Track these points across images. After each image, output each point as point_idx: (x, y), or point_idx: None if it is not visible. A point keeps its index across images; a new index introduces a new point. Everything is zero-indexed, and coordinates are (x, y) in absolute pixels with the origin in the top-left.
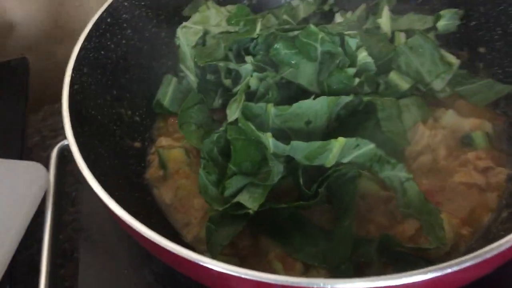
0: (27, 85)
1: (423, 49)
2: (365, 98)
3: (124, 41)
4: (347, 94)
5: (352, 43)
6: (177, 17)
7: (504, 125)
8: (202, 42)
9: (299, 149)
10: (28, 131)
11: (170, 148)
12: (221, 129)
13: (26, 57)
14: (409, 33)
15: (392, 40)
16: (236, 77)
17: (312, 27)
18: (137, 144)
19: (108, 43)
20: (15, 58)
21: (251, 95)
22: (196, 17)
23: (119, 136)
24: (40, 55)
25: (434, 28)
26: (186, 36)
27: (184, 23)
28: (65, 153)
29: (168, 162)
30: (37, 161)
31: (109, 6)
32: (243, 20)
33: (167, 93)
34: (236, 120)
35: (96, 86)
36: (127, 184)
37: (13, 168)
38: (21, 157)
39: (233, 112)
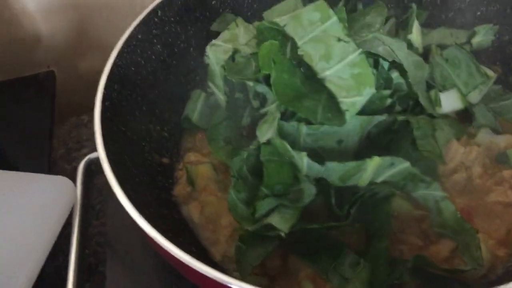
0: (54, 98)
1: (459, 60)
2: (400, 117)
3: (153, 57)
4: (379, 113)
5: (385, 64)
6: (205, 32)
7: None
8: (232, 60)
9: (334, 170)
10: (54, 142)
11: (198, 163)
12: (252, 147)
13: (53, 70)
14: (441, 47)
15: (423, 55)
16: (264, 99)
17: None
18: (165, 160)
19: (139, 59)
20: (43, 72)
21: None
22: (225, 34)
23: (148, 152)
24: (66, 68)
25: (467, 43)
26: (216, 54)
27: (213, 41)
28: (92, 167)
29: (196, 178)
30: (62, 173)
31: (140, 22)
32: None
33: (195, 109)
34: (269, 141)
35: (126, 102)
36: (156, 201)
37: (42, 182)
38: (48, 170)
39: (265, 133)
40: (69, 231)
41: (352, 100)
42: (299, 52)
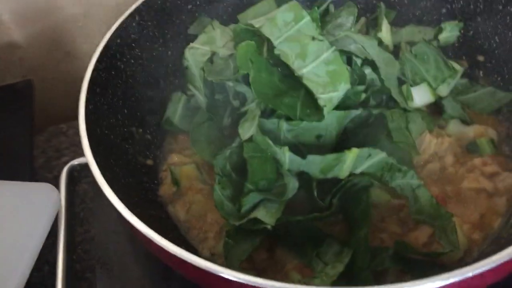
0: (33, 107)
1: (427, 56)
2: (375, 111)
3: (132, 61)
4: (355, 108)
5: (358, 61)
6: (183, 36)
7: (507, 130)
8: (210, 62)
9: (314, 162)
10: (33, 152)
11: (181, 164)
12: (234, 145)
13: (31, 79)
14: (410, 44)
15: (394, 52)
16: (244, 99)
17: None
18: (149, 162)
19: (118, 63)
20: (21, 81)
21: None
22: (202, 37)
23: (132, 154)
24: (43, 76)
25: (434, 39)
26: (194, 57)
27: (191, 44)
28: (74, 173)
29: (180, 178)
30: (43, 181)
31: (119, 27)
32: None
33: (176, 111)
34: (251, 138)
35: (108, 105)
36: (142, 202)
37: (25, 190)
38: (30, 179)
39: (247, 131)
40: (53, 240)
41: (329, 96)
42: (276, 52)
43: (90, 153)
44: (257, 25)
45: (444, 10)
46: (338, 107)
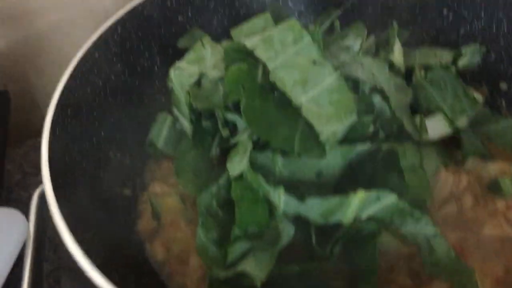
0: (8, 120)
1: (444, 83)
2: (385, 146)
3: (113, 77)
4: (362, 141)
5: (366, 87)
6: (171, 49)
7: None
8: (198, 85)
9: (314, 206)
10: (9, 167)
11: (164, 195)
12: (221, 181)
13: (7, 90)
14: (425, 68)
15: (406, 76)
16: (234, 128)
17: None
18: (126, 192)
19: (95, 80)
20: None
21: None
22: (190, 56)
23: (107, 183)
24: (22, 87)
25: (452, 64)
26: (180, 78)
27: (177, 64)
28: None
29: (161, 211)
30: (18, 201)
31: (98, 39)
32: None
33: (161, 133)
34: (241, 175)
35: (81, 128)
36: (116, 240)
37: None
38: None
39: (236, 166)
40: (20, 268)
41: (332, 129)
42: (271, 78)
43: (50, 185)
44: (250, 46)
45: (462, 31)
46: (342, 141)
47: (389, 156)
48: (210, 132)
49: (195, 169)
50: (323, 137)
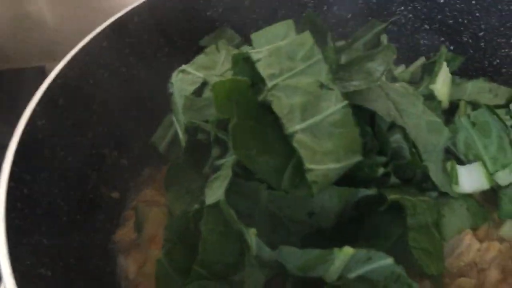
0: None
1: (489, 128)
2: (391, 197)
3: (124, 69)
4: (367, 184)
5: (384, 121)
6: (195, 47)
7: None
8: (199, 91)
9: (292, 256)
10: None
11: (152, 204)
12: (196, 207)
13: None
14: (473, 106)
15: (449, 111)
16: (225, 148)
17: None
18: (115, 195)
19: (101, 71)
20: None
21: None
22: (200, 59)
23: (94, 183)
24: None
25: (506, 105)
26: (181, 84)
27: (183, 66)
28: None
29: (145, 222)
30: None
31: (113, 22)
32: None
33: (165, 137)
34: (217, 204)
35: (74, 121)
36: (87, 247)
37: None
38: None
39: (213, 193)
40: None
41: (324, 168)
42: (268, 97)
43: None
44: (255, 58)
45: None
46: (343, 180)
47: (396, 208)
48: (204, 147)
49: (187, 185)
50: (310, 177)
